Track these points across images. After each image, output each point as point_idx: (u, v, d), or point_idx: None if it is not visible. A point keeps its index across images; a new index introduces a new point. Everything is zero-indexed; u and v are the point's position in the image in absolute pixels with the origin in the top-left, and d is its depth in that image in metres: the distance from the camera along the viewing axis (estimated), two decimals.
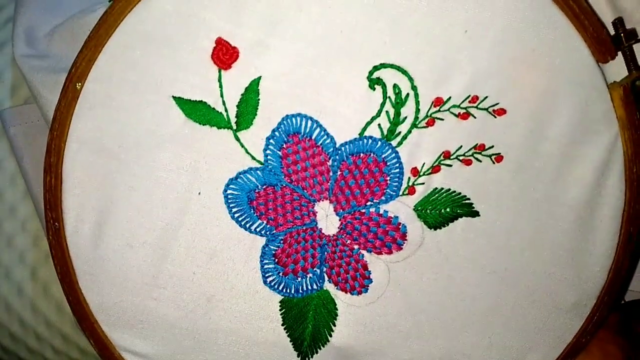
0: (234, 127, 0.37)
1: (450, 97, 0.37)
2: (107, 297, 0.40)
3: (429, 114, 0.37)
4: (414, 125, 0.37)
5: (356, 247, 0.39)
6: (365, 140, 0.37)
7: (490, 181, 0.38)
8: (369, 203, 0.39)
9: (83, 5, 0.46)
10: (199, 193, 0.39)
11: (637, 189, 0.38)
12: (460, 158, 0.38)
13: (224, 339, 0.41)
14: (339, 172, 0.38)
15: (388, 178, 0.38)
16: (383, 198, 0.38)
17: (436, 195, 0.38)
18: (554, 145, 0.37)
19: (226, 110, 0.37)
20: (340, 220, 0.39)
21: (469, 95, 0.37)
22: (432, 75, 0.36)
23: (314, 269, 0.40)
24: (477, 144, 0.37)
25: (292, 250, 0.40)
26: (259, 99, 0.37)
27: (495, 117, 0.37)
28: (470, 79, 0.36)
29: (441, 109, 0.37)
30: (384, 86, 0.36)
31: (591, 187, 0.38)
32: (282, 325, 0.41)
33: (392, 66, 0.36)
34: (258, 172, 0.38)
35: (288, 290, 0.40)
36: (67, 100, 0.37)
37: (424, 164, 0.38)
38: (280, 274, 0.40)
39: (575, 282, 0.40)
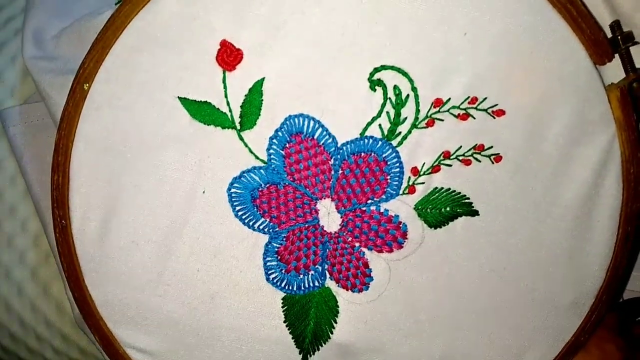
0: (238, 127, 0.38)
1: (449, 98, 0.37)
2: (112, 294, 0.41)
3: (428, 114, 0.38)
4: (414, 125, 0.38)
5: (357, 244, 0.40)
6: (366, 140, 0.38)
7: (489, 181, 0.39)
8: (369, 201, 0.39)
9: (90, 9, 0.47)
10: (204, 192, 0.39)
11: (634, 189, 0.39)
12: (460, 158, 0.38)
13: (227, 336, 0.42)
14: (340, 171, 0.39)
15: (388, 177, 0.39)
16: (383, 196, 0.39)
17: (436, 194, 0.39)
18: (552, 145, 0.38)
19: (230, 111, 0.38)
20: (341, 217, 0.40)
21: (469, 97, 0.37)
22: (432, 76, 0.37)
23: (316, 266, 0.41)
24: (476, 145, 0.38)
25: (294, 248, 0.40)
26: (262, 100, 0.38)
27: (495, 118, 0.38)
28: (469, 80, 0.37)
29: (441, 110, 0.37)
30: (384, 87, 0.37)
31: (589, 187, 0.39)
32: (285, 322, 0.41)
33: (392, 68, 0.37)
34: (261, 171, 0.39)
35: (290, 288, 0.41)
36: (75, 100, 0.38)
37: (424, 163, 0.38)
38: (283, 271, 0.41)
39: (574, 281, 0.40)
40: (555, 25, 0.36)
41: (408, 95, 0.37)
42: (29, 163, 0.47)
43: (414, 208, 0.39)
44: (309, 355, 0.42)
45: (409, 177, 0.39)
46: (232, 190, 0.39)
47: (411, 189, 0.39)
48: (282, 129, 0.38)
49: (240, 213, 0.40)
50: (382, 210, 0.39)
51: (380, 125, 0.38)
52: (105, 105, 0.38)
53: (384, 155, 0.38)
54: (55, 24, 0.47)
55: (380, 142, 0.38)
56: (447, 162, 0.38)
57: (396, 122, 0.38)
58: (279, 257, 0.40)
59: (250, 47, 0.37)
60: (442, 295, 0.41)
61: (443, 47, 0.36)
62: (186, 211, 0.39)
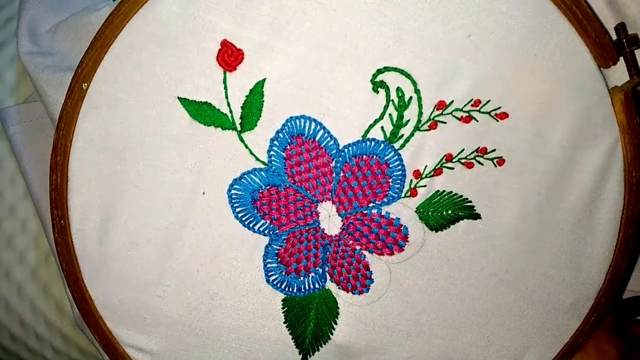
0: (239, 128, 0.38)
1: (453, 101, 0.37)
2: (111, 294, 0.41)
3: (431, 117, 0.37)
4: (416, 128, 0.37)
5: (358, 247, 0.40)
6: (368, 143, 0.38)
7: (491, 184, 0.38)
8: (371, 204, 0.39)
9: (87, 3, 0.47)
10: (204, 193, 0.39)
11: (635, 193, 0.39)
12: (462, 161, 0.38)
13: (226, 336, 0.42)
14: (342, 174, 0.39)
15: (390, 180, 0.38)
16: (385, 200, 0.39)
17: (438, 197, 0.39)
18: (555, 148, 0.38)
19: (231, 112, 0.37)
20: (342, 221, 0.40)
21: (472, 99, 0.37)
22: (435, 78, 0.36)
23: (316, 269, 0.41)
24: (479, 147, 0.38)
25: (294, 250, 0.40)
26: (263, 101, 0.37)
27: (498, 120, 0.37)
28: (473, 82, 0.36)
29: (444, 112, 0.37)
30: (387, 89, 0.37)
31: (591, 190, 0.39)
32: (284, 323, 0.42)
33: (395, 69, 0.36)
34: (262, 172, 0.39)
35: (290, 289, 0.41)
36: (73, 100, 0.38)
37: (426, 166, 0.38)
38: (283, 273, 0.41)
39: (574, 284, 0.40)
40: (560, 28, 0.36)
41: (411, 98, 0.37)
42: (29, 162, 0.47)
43: (416, 211, 0.39)
44: (308, 356, 0.42)
45: (411, 180, 0.38)
46: (233, 191, 0.39)
47: (413, 192, 0.39)
48: (283, 131, 0.38)
49: (240, 214, 0.39)
50: (383, 213, 0.39)
51: (382, 127, 0.37)
52: (104, 105, 0.38)
53: (386, 158, 0.38)
54: (51, 18, 0.47)
55: (382, 145, 0.38)
56: (450, 165, 0.38)
57: (399, 124, 0.37)
58: (279, 259, 0.40)
59: (252, 47, 0.36)
60: (442, 298, 0.41)
61: (447, 49, 0.36)
62: (186, 212, 0.39)
